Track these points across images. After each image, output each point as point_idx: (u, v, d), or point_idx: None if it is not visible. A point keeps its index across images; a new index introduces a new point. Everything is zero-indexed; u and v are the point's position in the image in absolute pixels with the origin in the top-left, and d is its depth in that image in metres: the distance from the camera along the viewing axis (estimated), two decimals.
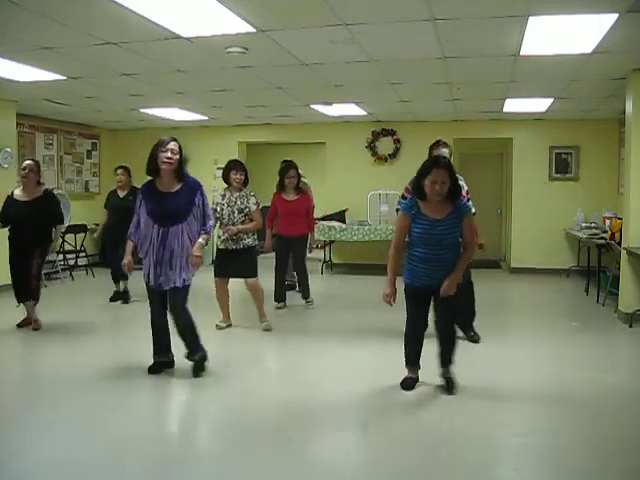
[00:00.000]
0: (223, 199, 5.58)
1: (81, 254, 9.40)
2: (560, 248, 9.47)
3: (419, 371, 4.11)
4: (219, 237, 5.61)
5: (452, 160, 4.88)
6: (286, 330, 5.88)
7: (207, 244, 4.31)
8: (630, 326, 5.84)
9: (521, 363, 4.79)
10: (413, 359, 4.08)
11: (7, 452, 3.12)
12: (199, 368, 4.30)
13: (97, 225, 10.13)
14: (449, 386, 3.97)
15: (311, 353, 5.15)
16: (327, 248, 9.96)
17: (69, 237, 9.26)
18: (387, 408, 3.79)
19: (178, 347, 4.43)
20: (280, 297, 6.81)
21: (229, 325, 5.78)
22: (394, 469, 2.95)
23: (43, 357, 4.99)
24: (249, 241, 5.55)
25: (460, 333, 5.02)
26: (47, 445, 3.19)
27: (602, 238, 7.24)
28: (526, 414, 3.69)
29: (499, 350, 5.15)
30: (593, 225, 8.31)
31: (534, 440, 3.27)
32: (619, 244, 6.38)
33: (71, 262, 9.19)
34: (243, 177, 5.55)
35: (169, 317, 4.30)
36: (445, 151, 4.92)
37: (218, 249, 5.64)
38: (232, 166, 5.58)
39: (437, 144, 5.07)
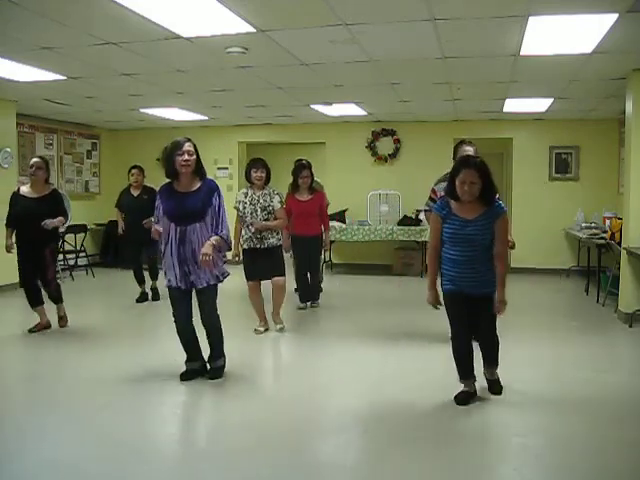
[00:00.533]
0: (246, 197, 5.48)
1: (81, 254, 9.40)
2: (560, 248, 9.47)
3: (475, 383, 3.89)
4: (242, 236, 5.52)
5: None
6: (294, 331, 5.89)
7: (224, 250, 4.20)
8: (630, 326, 5.84)
9: (521, 363, 4.78)
10: (465, 372, 3.84)
11: (8, 452, 3.12)
12: (216, 374, 4.29)
13: (98, 225, 10.17)
14: (492, 388, 3.95)
15: (315, 354, 5.14)
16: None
17: (69, 237, 9.26)
18: (388, 409, 3.78)
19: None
20: (304, 297, 6.80)
21: (267, 329, 5.68)
22: (394, 469, 2.95)
23: (43, 358, 4.98)
24: (274, 241, 5.45)
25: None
26: (48, 446, 3.19)
27: (602, 238, 7.24)
28: (526, 414, 3.68)
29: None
30: (593, 225, 8.31)
31: (534, 440, 3.27)
32: (619, 244, 6.38)
33: (71, 262, 9.19)
34: (264, 175, 5.45)
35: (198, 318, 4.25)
36: (470, 149, 4.75)
37: (243, 250, 5.54)
38: (252, 164, 5.52)
39: (461, 143, 4.92)
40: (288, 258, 6.28)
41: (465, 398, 3.78)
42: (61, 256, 8.93)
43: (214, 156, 10.53)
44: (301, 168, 6.62)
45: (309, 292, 6.87)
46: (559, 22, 4.33)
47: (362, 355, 5.01)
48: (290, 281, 6.83)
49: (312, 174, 6.67)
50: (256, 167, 5.45)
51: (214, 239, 4.03)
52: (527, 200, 9.58)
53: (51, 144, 9.59)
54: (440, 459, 3.07)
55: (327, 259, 9.94)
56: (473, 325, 3.84)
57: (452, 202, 3.68)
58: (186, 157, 4.01)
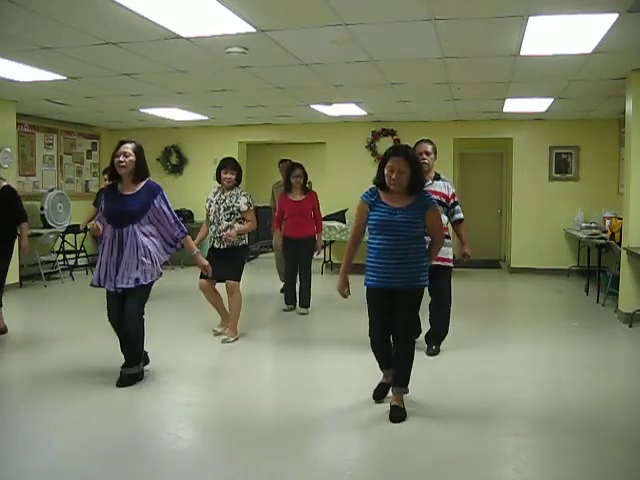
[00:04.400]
0: (214, 196, 5.42)
1: (81, 254, 9.41)
2: (560, 248, 9.47)
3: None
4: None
5: (435, 156, 4.81)
6: (288, 333, 5.90)
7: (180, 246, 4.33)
8: (630, 326, 5.84)
9: (521, 363, 4.78)
10: (384, 362, 3.79)
11: None
12: (126, 381, 4.12)
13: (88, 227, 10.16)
14: (392, 415, 3.55)
15: (311, 356, 5.14)
16: (327, 248, 9.96)
17: (69, 237, 9.27)
18: (386, 407, 3.78)
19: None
20: (290, 299, 6.68)
21: (227, 327, 5.50)
22: (394, 469, 2.95)
23: (40, 357, 4.98)
24: (235, 240, 5.30)
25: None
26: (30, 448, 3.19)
27: (602, 238, 7.25)
28: (526, 414, 3.68)
29: (499, 350, 5.15)
30: (593, 225, 8.31)
31: (534, 440, 3.28)
32: (619, 244, 6.38)
33: (71, 262, 9.19)
34: (234, 177, 5.35)
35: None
36: (428, 146, 4.79)
37: (208, 249, 5.41)
38: (222, 165, 5.41)
39: (420, 141, 4.90)
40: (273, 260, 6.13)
41: (381, 393, 3.81)
42: (61, 256, 8.95)
43: (214, 156, 10.48)
44: (293, 167, 6.56)
45: (294, 296, 6.69)
46: (559, 22, 4.33)
47: (359, 356, 4.98)
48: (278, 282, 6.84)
49: (305, 173, 6.59)
50: (225, 168, 5.36)
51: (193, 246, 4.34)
52: (527, 200, 9.58)
53: (51, 144, 9.59)
54: (440, 458, 3.07)
55: (327, 259, 9.96)
56: (394, 329, 3.68)
57: (380, 191, 3.63)
58: (121, 158, 4.04)
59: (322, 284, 7.91)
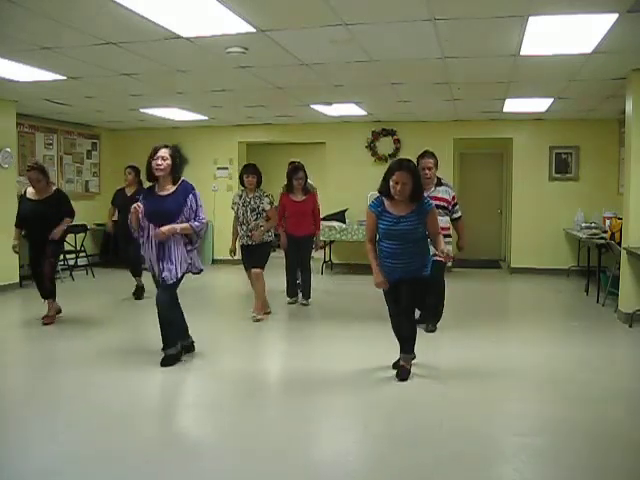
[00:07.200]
0: (240, 199, 6.11)
1: (81, 254, 9.40)
2: (560, 248, 9.47)
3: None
4: (239, 234, 6.11)
5: (436, 168, 5.46)
6: (291, 327, 5.95)
7: (194, 241, 4.55)
8: (630, 326, 5.84)
9: (521, 363, 4.78)
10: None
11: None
12: (168, 361, 4.52)
13: (98, 225, 10.17)
14: (399, 374, 4.21)
15: (310, 352, 5.15)
16: (327, 248, 9.96)
17: (69, 237, 9.23)
18: (387, 406, 3.79)
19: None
20: (292, 293, 7.11)
21: (267, 313, 6.28)
22: (394, 468, 2.95)
23: (39, 355, 4.99)
24: (263, 237, 6.01)
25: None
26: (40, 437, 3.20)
27: (602, 238, 7.25)
28: (526, 413, 3.69)
29: (499, 350, 5.16)
30: (593, 225, 8.31)
31: (534, 440, 3.27)
32: (619, 244, 6.38)
33: (71, 262, 9.18)
34: (255, 179, 6.05)
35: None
36: (430, 161, 5.41)
37: (241, 246, 6.16)
38: (245, 170, 6.17)
39: (423, 154, 5.49)
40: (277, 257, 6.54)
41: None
42: (61, 256, 8.94)
43: (214, 156, 10.55)
44: (296, 170, 6.92)
45: (296, 289, 7.12)
46: (559, 22, 4.33)
47: (359, 352, 5.01)
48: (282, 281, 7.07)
49: (306, 175, 6.98)
50: (247, 173, 6.10)
51: (180, 225, 4.41)
52: (527, 200, 9.57)
53: (51, 144, 9.59)
54: (440, 458, 3.06)
55: (327, 259, 9.96)
56: (399, 303, 4.23)
57: (385, 200, 4.16)
58: (159, 162, 4.42)
59: (323, 283, 7.95)
